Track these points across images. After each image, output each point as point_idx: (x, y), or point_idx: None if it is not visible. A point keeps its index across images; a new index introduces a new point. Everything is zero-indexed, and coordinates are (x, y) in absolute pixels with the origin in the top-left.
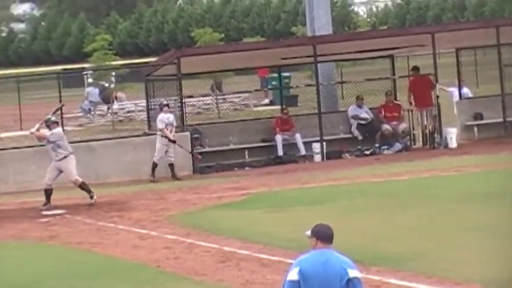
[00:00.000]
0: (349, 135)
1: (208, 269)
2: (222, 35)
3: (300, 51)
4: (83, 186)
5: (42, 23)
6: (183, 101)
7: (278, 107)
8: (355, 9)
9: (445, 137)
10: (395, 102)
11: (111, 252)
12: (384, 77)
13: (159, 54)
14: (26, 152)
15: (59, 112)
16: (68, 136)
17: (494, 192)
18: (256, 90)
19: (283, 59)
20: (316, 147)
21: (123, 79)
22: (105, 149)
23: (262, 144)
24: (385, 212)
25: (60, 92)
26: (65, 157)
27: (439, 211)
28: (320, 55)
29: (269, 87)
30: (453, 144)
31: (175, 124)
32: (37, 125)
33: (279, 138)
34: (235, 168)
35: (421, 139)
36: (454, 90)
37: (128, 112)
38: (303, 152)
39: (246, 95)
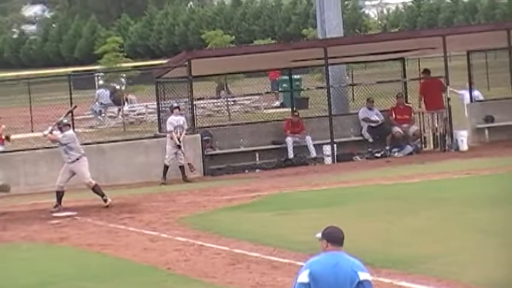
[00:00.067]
0: (360, 138)
1: (219, 272)
2: (233, 37)
3: (311, 53)
4: (95, 189)
5: (53, 25)
6: (194, 103)
7: (289, 110)
8: (366, 11)
9: (456, 140)
10: (406, 104)
11: (121, 254)
12: (394, 79)
13: (170, 56)
14: (36, 153)
15: (71, 114)
16: (79, 138)
17: (505, 195)
18: (266, 93)
19: (293, 61)
20: (327, 149)
21: (133, 81)
22: (115, 151)
23: (273, 146)
24: (395, 214)
25: (71, 94)
26: (77, 159)
27: (450, 214)
28: (331, 57)
29: (280, 89)
30: (464, 147)
31: (186, 127)
32: (50, 127)
33: (289, 140)
34: (246, 171)
35: (431, 142)
36: (465, 93)
37: (139, 114)
38: (313, 154)
39: (257, 97)
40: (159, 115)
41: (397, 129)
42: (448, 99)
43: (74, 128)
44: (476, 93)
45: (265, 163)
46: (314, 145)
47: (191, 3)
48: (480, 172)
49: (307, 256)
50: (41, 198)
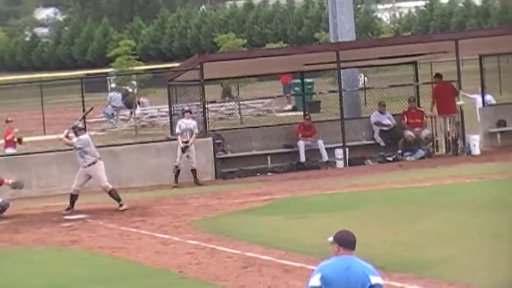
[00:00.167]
0: (372, 142)
1: (231, 275)
2: (245, 41)
3: (323, 57)
4: (112, 194)
5: (66, 28)
6: (206, 106)
7: (301, 113)
8: (379, 15)
9: (468, 144)
10: (418, 108)
11: (133, 257)
12: (407, 83)
13: (182, 59)
14: (48, 156)
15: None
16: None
17: None
18: (278, 96)
19: (306, 65)
20: (339, 153)
21: (146, 84)
22: (127, 153)
23: (285, 150)
24: (407, 218)
25: (83, 97)
26: (93, 163)
27: (462, 218)
28: (343, 61)
29: (292, 93)
30: (476, 151)
31: (196, 131)
32: (66, 131)
33: (301, 144)
34: (258, 174)
35: (444, 146)
36: (477, 97)
37: (151, 117)
38: (325, 158)
39: (269, 100)
40: (171, 118)
41: (409, 133)
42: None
43: (86, 131)
44: (489, 97)
45: (277, 166)
46: (326, 149)
47: (203, 6)
48: (492, 176)
49: (318, 260)
50: (52, 200)
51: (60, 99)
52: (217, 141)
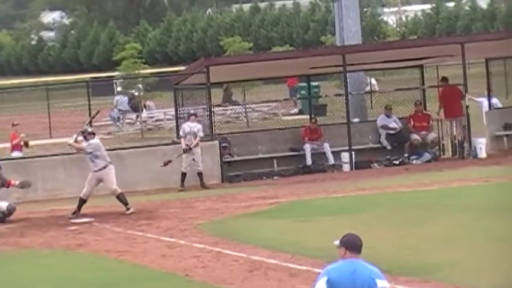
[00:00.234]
0: (378, 145)
1: (237, 278)
2: (251, 44)
3: (329, 60)
4: (120, 197)
5: (72, 32)
6: (212, 109)
7: (307, 116)
8: (385, 18)
9: (475, 147)
10: (425, 112)
11: (139, 261)
12: (413, 86)
13: (188, 62)
14: (54, 159)
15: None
16: None
17: None
18: (285, 100)
19: (312, 68)
20: (345, 156)
21: (152, 87)
22: (134, 157)
23: (291, 153)
24: (413, 222)
25: (89, 100)
26: (104, 167)
27: (468, 221)
28: (349, 64)
29: (298, 96)
30: (482, 154)
31: (201, 134)
32: (75, 136)
33: (307, 147)
34: (264, 177)
35: (450, 149)
36: (484, 101)
37: (157, 121)
38: (331, 161)
39: (275, 104)
40: (177, 121)
41: (415, 136)
42: (467, 107)
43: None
44: (495, 100)
45: (283, 170)
46: (332, 152)
47: (209, 10)
48: (498, 179)
49: (325, 263)
50: (58, 204)
51: (66, 103)
52: (224, 144)
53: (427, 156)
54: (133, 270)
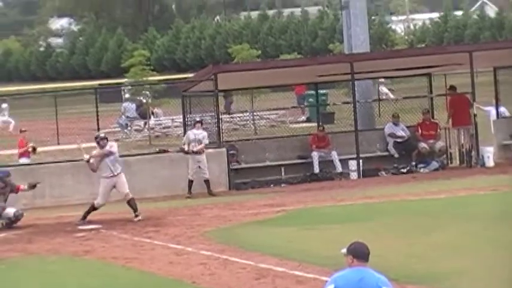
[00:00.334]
0: (386, 153)
1: (244, 286)
2: (259, 52)
3: (337, 68)
4: (131, 203)
5: (80, 38)
6: (220, 117)
7: (314, 124)
8: (393, 27)
9: (482, 156)
10: (432, 120)
11: (146, 268)
12: (421, 95)
13: (196, 70)
14: (62, 166)
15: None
16: None
17: None
18: (292, 107)
19: (320, 76)
20: (353, 164)
21: (160, 95)
22: (141, 164)
23: (299, 161)
24: (421, 230)
25: (97, 107)
26: (120, 172)
27: (475, 230)
28: (357, 72)
29: (306, 104)
30: (490, 163)
31: (206, 141)
32: (86, 156)
33: (315, 155)
34: (271, 185)
35: (457, 158)
36: (491, 109)
37: (165, 128)
38: (339, 169)
39: (283, 111)
40: (184, 129)
41: (423, 145)
42: (475, 116)
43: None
44: (503, 109)
45: (291, 178)
46: (340, 160)
47: (218, 17)
48: (506, 188)
49: (332, 271)
50: (66, 211)
51: (74, 110)
52: (231, 152)
53: (434, 164)
54: (140, 277)
